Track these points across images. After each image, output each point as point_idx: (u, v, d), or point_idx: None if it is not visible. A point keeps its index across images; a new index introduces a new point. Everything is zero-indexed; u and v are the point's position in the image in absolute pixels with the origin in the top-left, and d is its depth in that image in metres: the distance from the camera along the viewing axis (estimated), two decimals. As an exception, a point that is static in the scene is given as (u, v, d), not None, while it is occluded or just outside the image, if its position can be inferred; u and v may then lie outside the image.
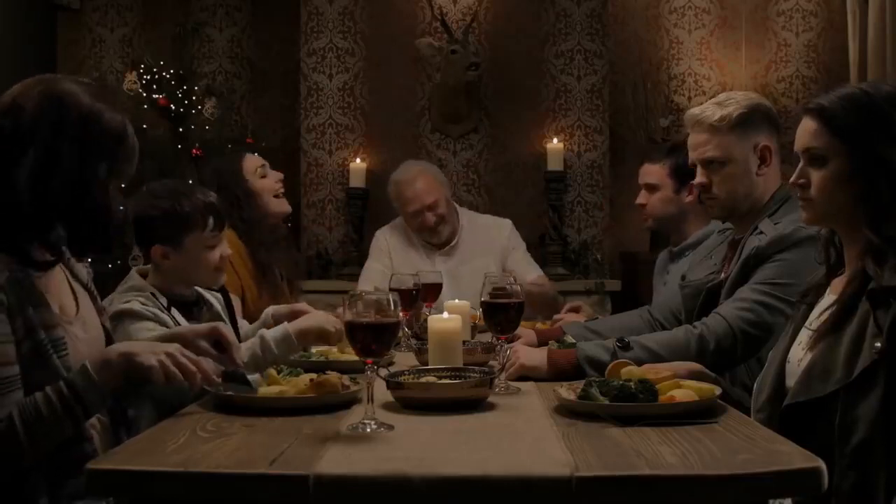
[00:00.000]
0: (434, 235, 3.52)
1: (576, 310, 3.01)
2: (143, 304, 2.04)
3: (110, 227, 1.62)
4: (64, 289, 1.70)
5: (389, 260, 3.52)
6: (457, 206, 3.73)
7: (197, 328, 1.79)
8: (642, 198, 3.09)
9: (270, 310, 2.37)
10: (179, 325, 2.07)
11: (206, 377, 1.61)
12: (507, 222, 3.71)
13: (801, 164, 1.73)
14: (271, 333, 2.04)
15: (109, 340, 1.75)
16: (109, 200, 1.61)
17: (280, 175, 3.06)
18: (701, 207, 2.98)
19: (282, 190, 3.03)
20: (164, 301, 2.10)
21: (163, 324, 2.03)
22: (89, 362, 1.52)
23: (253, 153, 3.15)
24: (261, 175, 2.99)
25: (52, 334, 1.55)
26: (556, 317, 2.90)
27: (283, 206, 3.03)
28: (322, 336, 2.08)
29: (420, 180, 3.50)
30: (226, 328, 1.77)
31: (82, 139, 1.56)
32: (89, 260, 1.92)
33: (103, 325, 1.77)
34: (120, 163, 1.63)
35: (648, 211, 3.08)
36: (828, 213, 1.71)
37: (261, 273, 2.85)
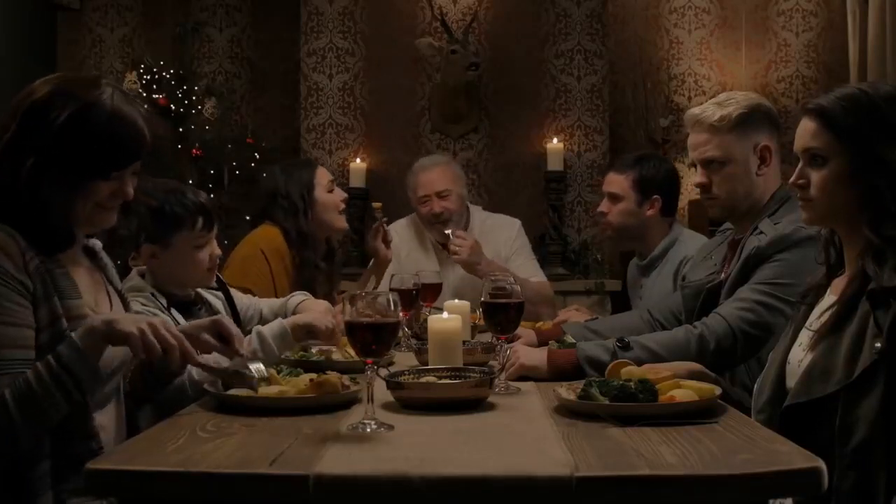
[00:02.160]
0: (438, 230, 3.44)
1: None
2: (143, 304, 2.04)
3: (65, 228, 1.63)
4: (100, 290, 1.74)
5: (396, 258, 3.49)
6: (470, 206, 3.65)
7: (198, 322, 1.79)
8: (604, 206, 3.08)
9: (297, 299, 2.44)
10: (179, 324, 2.07)
11: (188, 354, 1.59)
12: (515, 223, 3.65)
13: (800, 165, 1.73)
14: (268, 330, 2.04)
15: None
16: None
17: (345, 195, 3.15)
18: (662, 220, 3.00)
19: (344, 208, 3.11)
20: (163, 301, 2.10)
21: (163, 323, 2.03)
22: (74, 333, 1.52)
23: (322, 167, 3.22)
24: (328, 190, 3.04)
25: (76, 325, 1.56)
26: (557, 318, 2.90)
27: (342, 221, 3.10)
28: (312, 332, 2.08)
29: (438, 169, 3.53)
30: (227, 320, 1.76)
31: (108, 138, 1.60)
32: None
33: None
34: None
35: (609, 220, 3.07)
36: (828, 213, 1.71)
37: (299, 284, 2.85)
